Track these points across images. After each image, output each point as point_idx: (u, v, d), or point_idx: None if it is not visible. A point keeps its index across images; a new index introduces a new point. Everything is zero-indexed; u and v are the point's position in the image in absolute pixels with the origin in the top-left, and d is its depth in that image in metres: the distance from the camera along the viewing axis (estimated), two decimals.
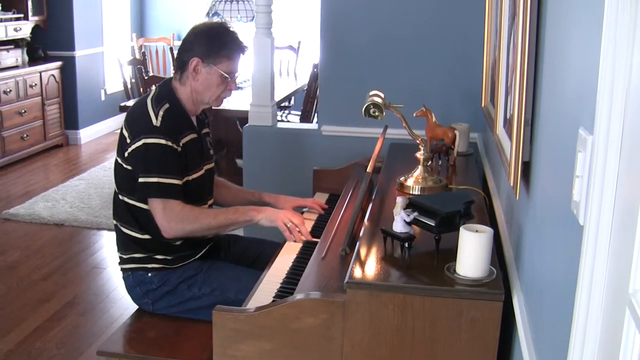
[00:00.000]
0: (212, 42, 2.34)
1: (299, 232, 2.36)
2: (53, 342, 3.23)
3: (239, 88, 5.65)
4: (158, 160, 2.26)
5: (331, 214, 2.53)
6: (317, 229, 2.48)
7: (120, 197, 2.39)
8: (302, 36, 7.46)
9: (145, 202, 2.31)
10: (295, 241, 2.37)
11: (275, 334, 1.77)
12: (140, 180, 2.27)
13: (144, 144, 2.25)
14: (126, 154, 2.30)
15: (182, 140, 2.33)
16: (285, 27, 7.51)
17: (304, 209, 2.70)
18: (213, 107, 2.51)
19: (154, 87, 2.46)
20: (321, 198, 2.95)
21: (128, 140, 2.29)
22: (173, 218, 2.27)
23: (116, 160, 2.39)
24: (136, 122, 2.32)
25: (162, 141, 2.25)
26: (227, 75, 2.36)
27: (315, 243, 2.25)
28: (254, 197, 2.70)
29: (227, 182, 2.76)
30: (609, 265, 0.97)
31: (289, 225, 2.35)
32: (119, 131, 2.41)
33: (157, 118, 2.27)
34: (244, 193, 2.77)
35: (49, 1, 6.88)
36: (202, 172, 2.44)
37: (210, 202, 2.55)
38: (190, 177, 2.37)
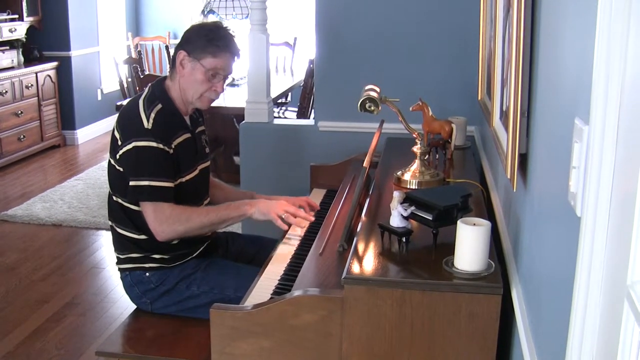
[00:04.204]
0: (199, 38, 2.32)
1: (296, 218, 2.34)
2: (52, 342, 3.23)
3: (234, 85, 5.66)
4: (149, 164, 2.24)
5: (328, 210, 2.52)
6: (315, 225, 2.47)
7: (115, 198, 2.37)
8: (297, 32, 7.44)
9: (138, 205, 2.30)
10: (289, 227, 2.35)
11: (274, 331, 1.77)
12: (131, 183, 2.25)
13: (134, 146, 2.23)
14: (118, 156, 2.29)
15: (175, 141, 2.31)
16: (281, 24, 7.50)
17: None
18: (199, 109, 2.46)
19: (147, 87, 2.44)
20: (318, 194, 2.94)
21: (119, 143, 2.27)
22: (164, 220, 2.25)
23: (109, 162, 2.37)
24: (127, 124, 2.30)
25: (153, 144, 2.23)
26: (210, 72, 2.32)
27: (313, 238, 2.24)
28: (247, 198, 2.69)
29: (221, 183, 2.75)
30: (606, 256, 0.96)
31: (284, 216, 2.32)
32: None
33: (148, 120, 2.25)
34: (237, 194, 2.75)
35: (44, 1, 6.86)
36: (196, 172, 2.43)
37: (206, 201, 2.54)
38: (184, 179, 2.36)
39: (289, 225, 2.36)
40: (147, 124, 2.24)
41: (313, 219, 2.35)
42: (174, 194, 2.29)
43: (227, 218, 2.35)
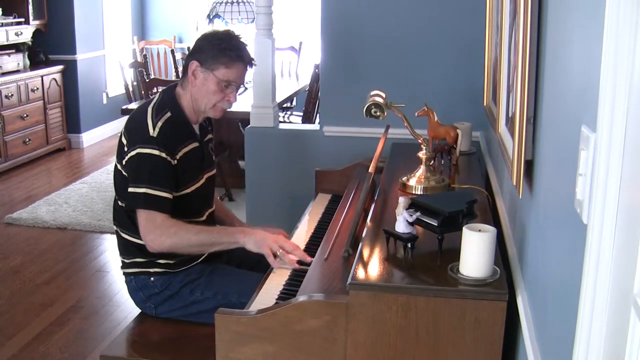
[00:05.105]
0: (212, 48, 2.30)
1: (291, 255, 2.21)
2: (56, 346, 3.23)
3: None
4: (149, 171, 2.22)
5: (333, 215, 2.52)
6: (319, 231, 2.46)
7: (120, 203, 2.37)
8: (303, 37, 7.45)
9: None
10: (280, 267, 2.21)
11: (278, 336, 1.76)
12: (130, 190, 2.23)
13: (137, 153, 2.22)
14: (123, 162, 2.28)
15: (181, 151, 2.30)
16: (286, 28, 7.51)
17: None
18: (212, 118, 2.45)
19: (158, 93, 2.43)
20: (323, 199, 2.94)
21: (125, 149, 2.27)
22: (152, 230, 2.22)
23: (115, 166, 2.36)
24: (134, 130, 2.29)
25: (156, 152, 2.22)
26: (224, 83, 2.31)
27: (318, 243, 2.23)
28: (227, 218, 2.69)
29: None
30: (613, 264, 0.96)
31: (278, 252, 2.21)
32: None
33: (154, 128, 2.23)
34: (221, 207, 2.73)
35: (50, 5, 6.89)
36: (202, 181, 2.42)
37: (211, 209, 2.52)
38: (190, 189, 2.34)
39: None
40: (152, 132, 2.23)
41: (310, 259, 2.14)
42: (171, 205, 2.25)
43: (217, 242, 2.29)
